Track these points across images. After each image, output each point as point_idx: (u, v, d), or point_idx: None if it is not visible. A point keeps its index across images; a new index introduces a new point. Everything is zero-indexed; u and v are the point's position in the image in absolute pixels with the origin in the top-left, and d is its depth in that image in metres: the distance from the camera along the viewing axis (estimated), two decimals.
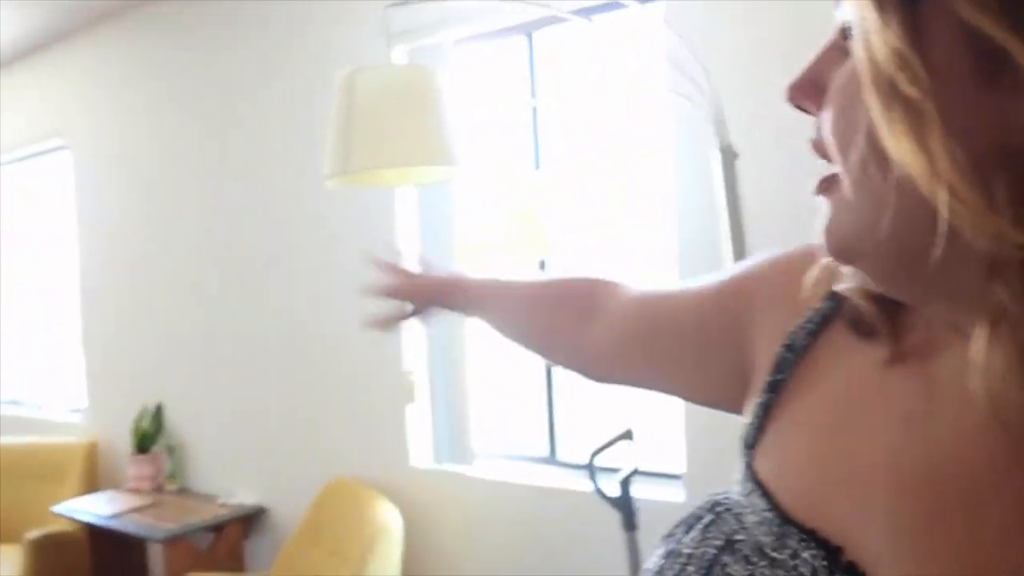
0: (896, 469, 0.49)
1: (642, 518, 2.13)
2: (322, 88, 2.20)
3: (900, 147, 0.41)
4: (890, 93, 0.42)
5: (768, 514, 0.54)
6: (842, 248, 0.49)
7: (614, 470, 2.19)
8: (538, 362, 2.84)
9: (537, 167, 2.82)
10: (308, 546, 3.00)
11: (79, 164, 4.23)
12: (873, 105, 0.42)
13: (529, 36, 2.79)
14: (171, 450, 3.82)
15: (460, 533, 2.88)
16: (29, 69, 4.47)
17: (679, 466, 2.38)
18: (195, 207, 3.67)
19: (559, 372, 2.78)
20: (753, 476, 0.57)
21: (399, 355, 3.01)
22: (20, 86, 4.54)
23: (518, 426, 3.04)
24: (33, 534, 3.62)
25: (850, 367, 0.55)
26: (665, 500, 2.34)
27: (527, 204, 2.87)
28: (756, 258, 0.69)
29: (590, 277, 0.89)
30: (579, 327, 0.86)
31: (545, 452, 2.85)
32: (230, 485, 3.58)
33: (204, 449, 3.75)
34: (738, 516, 0.57)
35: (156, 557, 3.62)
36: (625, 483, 2.15)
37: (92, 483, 4.02)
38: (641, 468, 2.24)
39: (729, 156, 1.74)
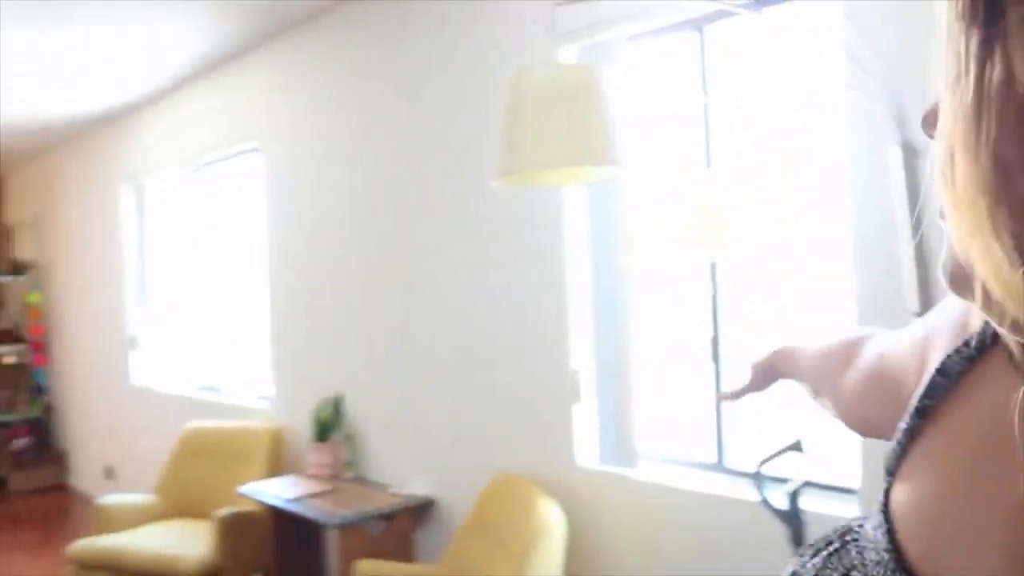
0: (1021, 533, 0.43)
1: (812, 533, 2.04)
2: (496, 88, 2.23)
3: None
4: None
5: (887, 554, 0.50)
6: (956, 279, 0.45)
7: (783, 480, 2.11)
8: (706, 364, 2.78)
9: (708, 164, 2.75)
10: (474, 539, 3.05)
11: (270, 165, 4.47)
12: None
13: (700, 31, 2.72)
14: (349, 439, 3.97)
15: (622, 535, 2.85)
16: (226, 76, 4.76)
17: (854, 480, 2.26)
18: (376, 207, 3.80)
19: (728, 375, 2.70)
20: (885, 507, 0.53)
21: (566, 354, 3.01)
22: (219, 92, 4.85)
23: (684, 429, 2.97)
24: (222, 512, 3.86)
25: (1000, 402, 0.47)
26: (838, 515, 2.22)
27: (699, 202, 2.80)
28: None
29: (864, 330, 0.86)
30: (840, 375, 0.84)
31: (712, 458, 2.77)
32: (402, 475, 3.69)
33: (379, 439, 3.88)
34: (861, 551, 0.53)
35: (332, 541, 3.78)
36: (794, 496, 2.06)
37: (276, 467, 4.24)
38: (813, 480, 2.14)
39: (910, 153, 1.63)
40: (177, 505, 4.44)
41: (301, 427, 4.18)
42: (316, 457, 3.98)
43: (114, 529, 4.17)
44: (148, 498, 4.46)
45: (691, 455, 2.86)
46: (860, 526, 0.56)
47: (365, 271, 3.88)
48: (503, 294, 3.21)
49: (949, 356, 0.55)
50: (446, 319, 3.48)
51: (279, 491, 3.77)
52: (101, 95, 5.35)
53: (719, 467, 2.74)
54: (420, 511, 3.58)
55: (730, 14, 2.55)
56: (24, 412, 7.53)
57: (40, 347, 7.56)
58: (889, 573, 0.49)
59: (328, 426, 3.99)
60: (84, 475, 7.10)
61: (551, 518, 2.78)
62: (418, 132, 3.55)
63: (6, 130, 6.18)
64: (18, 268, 7.70)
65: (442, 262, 3.47)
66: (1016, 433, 0.43)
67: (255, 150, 4.61)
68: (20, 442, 7.37)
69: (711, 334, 2.76)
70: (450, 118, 3.38)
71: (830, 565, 0.54)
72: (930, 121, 0.46)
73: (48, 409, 7.56)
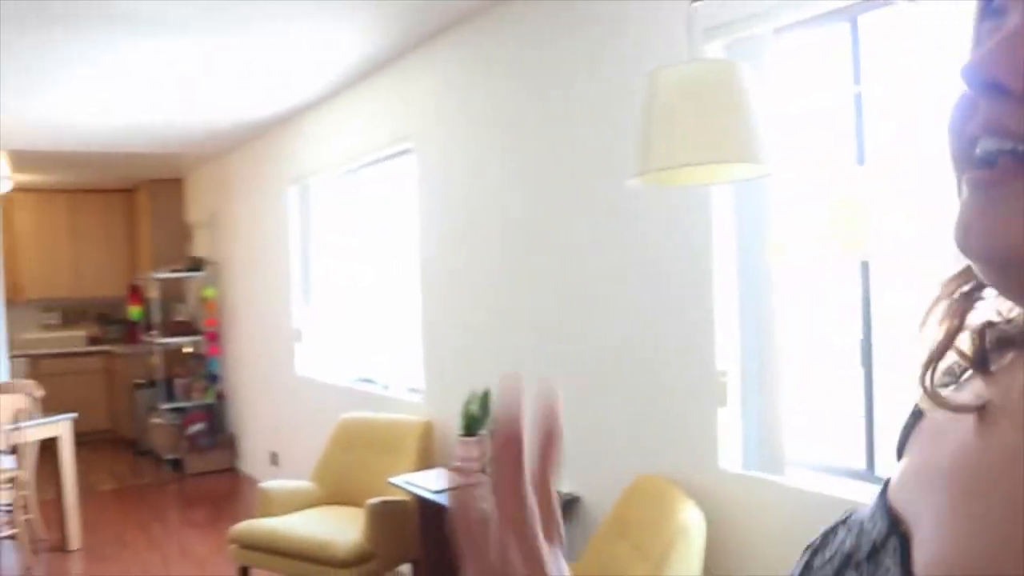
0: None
1: None
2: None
3: None
4: None
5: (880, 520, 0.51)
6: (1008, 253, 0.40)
7: None
8: (855, 368, 2.67)
9: (861, 160, 2.64)
10: (614, 538, 3.05)
11: (422, 166, 4.60)
12: None
13: (853, 21, 2.62)
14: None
15: (765, 542, 2.78)
16: (383, 79, 4.93)
17: None
18: (525, 206, 3.85)
19: (880, 380, 2.59)
20: (884, 491, 0.52)
21: (712, 355, 2.96)
22: (376, 95, 5.03)
23: (832, 435, 2.87)
24: (373, 501, 4.00)
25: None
26: None
27: (849, 198, 2.70)
28: None
29: None
30: None
31: (861, 464, 2.67)
32: None
33: (526, 436, 3.92)
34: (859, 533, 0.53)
35: None
36: None
37: (426, 459, 4.36)
38: None
39: None
40: (332, 492, 4.64)
41: (450, 421, 4.28)
42: (463, 451, 4.06)
43: (274, 512, 4.40)
44: (306, 484, 4.68)
45: (839, 461, 2.75)
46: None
47: (514, 269, 3.94)
48: (650, 294, 3.19)
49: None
50: (593, 318, 3.49)
51: (427, 483, 3.88)
52: (270, 100, 5.64)
53: (869, 475, 2.63)
54: (564, 509, 3.59)
55: (887, 3, 2.45)
56: (199, 399, 8.03)
57: (214, 338, 8.05)
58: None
59: (476, 420, 4.07)
60: (251, 460, 7.51)
61: (691, 521, 2.74)
62: (567, 132, 3.57)
63: (187, 134, 6.62)
64: (196, 264, 8.22)
65: (590, 262, 3.48)
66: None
67: (409, 151, 4.74)
68: (195, 427, 7.87)
69: (861, 336, 2.65)
70: (598, 118, 3.39)
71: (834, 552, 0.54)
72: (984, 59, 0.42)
73: (221, 396, 8.04)
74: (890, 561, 0.48)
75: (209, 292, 8.03)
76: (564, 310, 3.63)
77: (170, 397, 8.10)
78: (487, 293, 4.12)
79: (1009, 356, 0.47)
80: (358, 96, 5.25)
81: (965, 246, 0.41)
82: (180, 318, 8.74)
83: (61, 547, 5.72)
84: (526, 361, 3.88)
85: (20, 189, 9.15)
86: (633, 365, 3.30)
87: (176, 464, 7.89)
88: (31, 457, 5.70)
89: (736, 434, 2.95)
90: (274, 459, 6.84)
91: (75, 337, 9.91)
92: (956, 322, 0.49)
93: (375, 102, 5.06)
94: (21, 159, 7.75)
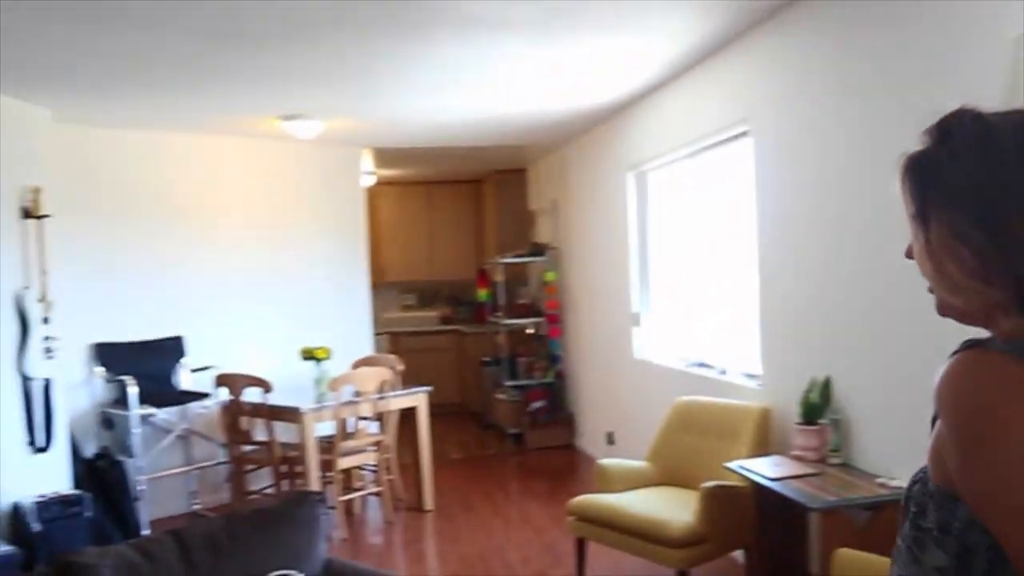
0: None
1: None
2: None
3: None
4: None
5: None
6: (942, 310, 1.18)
7: None
8: None
9: None
10: None
11: (760, 147, 4.49)
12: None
13: None
14: (836, 424, 3.87)
15: None
16: (718, 61, 4.87)
17: None
18: (869, 188, 3.65)
19: None
20: None
21: None
22: (711, 78, 4.98)
23: None
24: (708, 484, 4.00)
25: None
26: None
27: None
28: None
29: None
30: None
31: None
32: (891, 466, 3.51)
33: (868, 427, 3.73)
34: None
35: (814, 525, 3.72)
36: None
37: (762, 445, 4.28)
38: None
39: None
40: (666, 473, 4.69)
41: (788, 408, 4.17)
42: (802, 439, 3.94)
43: (611, 489, 4.54)
44: (641, 464, 4.77)
45: None
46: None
47: (857, 252, 3.74)
48: None
49: None
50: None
51: (764, 469, 3.80)
52: (608, 89, 5.78)
53: None
54: None
55: None
56: (540, 377, 8.44)
57: (554, 320, 8.42)
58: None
59: (816, 409, 3.93)
60: (589, 438, 7.78)
61: None
62: (919, 108, 3.32)
63: (530, 127, 6.97)
64: (538, 249, 8.64)
65: None
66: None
67: (746, 134, 4.66)
68: (536, 404, 8.29)
69: None
70: (951, 92, 3.12)
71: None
72: (908, 252, 1.17)
73: (560, 376, 8.40)
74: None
75: (550, 276, 8.41)
76: (915, 297, 3.39)
77: (513, 375, 8.60)
78: (829, 277, 3.95)
79: None
80: (693, 81, 5.24)
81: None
82: (523, 300, 9.23)
83: (417, 507, 6.29)
84: (870, 349, 3.68)
85: (383, 182, 10.16)
86: None
87: (518, 438, 8.37)
88: (393, 424, 6.32)
89: None
90: (610, 439, 7.04)
91: (429, 317, 10.82)
92: None
93: (711, 86, 5.01)
94: (384, 156, 8.59)
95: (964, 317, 1.15)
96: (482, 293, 9.29)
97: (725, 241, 5.19)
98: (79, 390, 6.06)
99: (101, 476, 5.69)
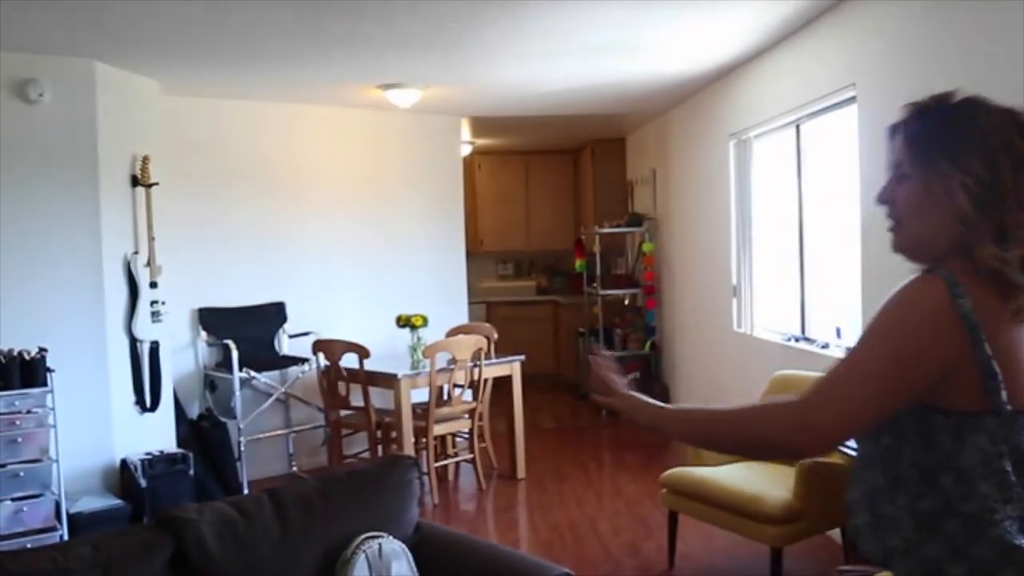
0: None
1: None
2: None
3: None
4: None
5: None
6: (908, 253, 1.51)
7: None
8: None
9: None
10: None
11: (865, 115, 4.31)
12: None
13: None
14: None
15: None
16: (824, 27, 4.68)
17: None
18: None
19: None
20: None
21: None
22: (817, 43, 4.79)
23: None
24: (806, 461, 3.89)
25: None
26: None
27: None
28: None
29: None
30: None
31: None
32: None
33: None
34: None
35: None
36: None
37: None
38: None
39: None
40: None
41: None
42: None
43: (704, 462, 4.46)
44: None
45: None
46: None
47: None
48: None
49: None
50: None
51: None
52: (709, 56, 5.63)
53: None
54: None
55: None
56: (636, 349, 8.37)
57: (651, 291, 8.32)
58: None
59: None
60: None
61: None
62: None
63: (628, 95, 6.85)
64: (636, 219, 8.53)
65: None
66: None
67: (852, 100, 4.47)
68: (631, 376, 8.18)
69: None
70: None
71: None
72: (883, 197, 1.57)
73: (656, 348, 8.30)
74: None
75: (647, 247, 8.30)
76: None
77: (609, 346, 8.54)
78: None
79: None
80: (799, 45, 5.05)
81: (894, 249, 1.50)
82: (620, 271, 9.14)
83: (510, 475, 6.32)
84: None
85: (481, 152, 10.17)
86: None
87: (612, 409, 8.31)
88: (487, 392, 6.35)
89: None
90: None
91: (526, 287, 10.83)
92: None
93: (817, 50, 4.82)
94: (481, 125, 8.59)
95: (922, 254, 1.47)
96: (579, 263, 9.23)
97: (828, 211, 5.02)
98: (185, 353, 6.27)
99: (204, 436, 5.89)
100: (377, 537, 2.73)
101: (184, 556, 2.58)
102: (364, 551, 2.68)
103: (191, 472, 5.09)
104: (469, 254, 10.55)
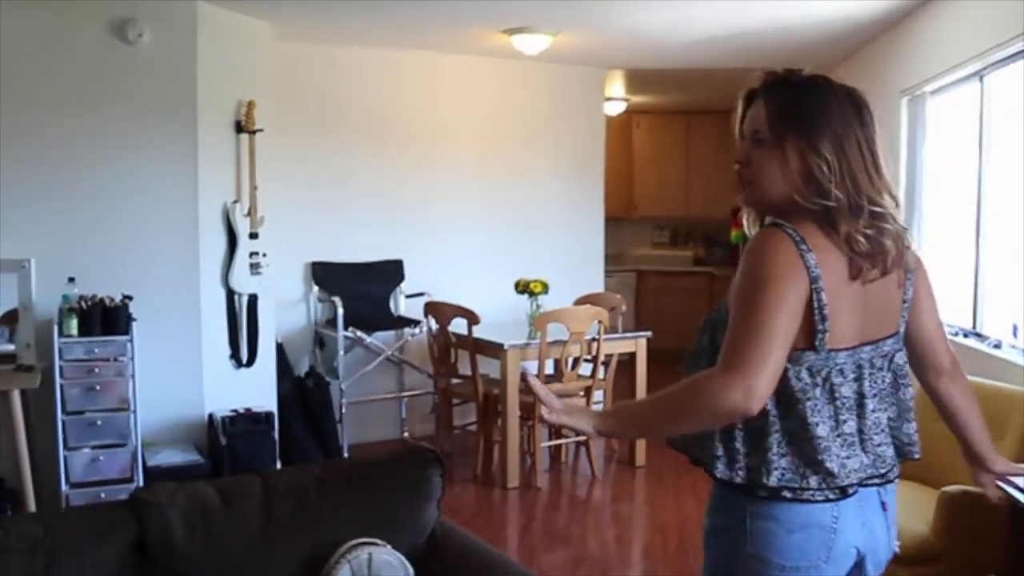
0: None
1: None
2: None
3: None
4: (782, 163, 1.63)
5: None
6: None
7: None
8: None
9: None
10: None
11: None
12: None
13: None
14: None
15: None
16: None
17: None
18: None
19: None
20: None
21: None
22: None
23: None
24: (950, 489, 3.15)
25: None
26: None
27: None
28: None
29: None
30: None
31: None
32: None
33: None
34: None
35: None
36: None
37: None
38: None
39: None
40: (903, 463, 3.81)
41: None
42: None
43: None
44: None
45: None
46: None
47: None
48: None
49: None
50: None
51: None
52: None
53: None
54: None
55: None
56: None
57: None
58: None
59: None
60: None
61: None
62: None
63: (796, 46, 6.03)
64: None
65: None
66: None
67: None
68: None
69: None
70: None
71: None
72: (743, 159, 1.70)
73: None
74: None
75: None
76: None
77: None
78: None
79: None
80: None
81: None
82: None
83: (628, 461, 5.76)
84: None
85: (637, 110, 9.51)
86: None
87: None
88: (610, 370, 5.82)
89: None
90: None
91: (682, 256, 10.11)
92: None
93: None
94: (638, 80, 7.94)
95: (772, 211, 1.69)
96: (734, 234, 8.46)
97: (1013, 185, 4.13)
98: (296, 308, 6.07)
99: (307, 395, 5.65)
100: (369, 545, 2.28)
101: (145, 546, 2.23)
102: (349, 561, 2.23)
103: (274, 433, 4.83)
104: (622, 219, 10.02)
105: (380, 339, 6.19)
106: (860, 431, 1.68)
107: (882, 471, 1.75)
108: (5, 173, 4.41)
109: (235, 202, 5.08)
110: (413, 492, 2.48)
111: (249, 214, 5.11)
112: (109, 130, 4.65)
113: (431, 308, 5.75)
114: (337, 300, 5.79)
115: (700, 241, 10.14)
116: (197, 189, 4.86)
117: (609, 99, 8.68)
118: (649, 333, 5.81)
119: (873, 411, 1.68)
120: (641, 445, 5.73)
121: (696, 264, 9.98)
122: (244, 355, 5.18)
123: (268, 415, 4.84)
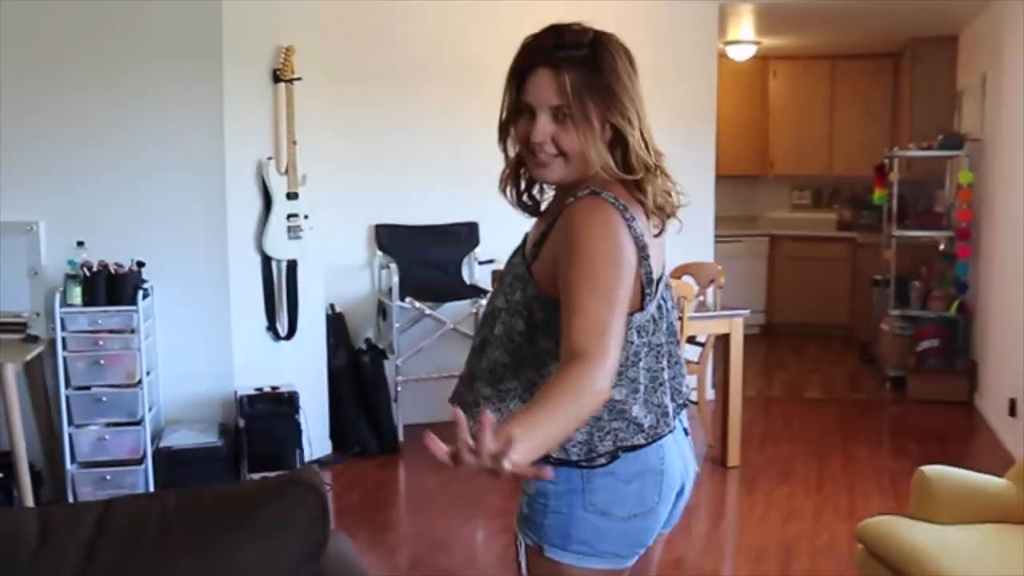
0: None
1: None
2: None
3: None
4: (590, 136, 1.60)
5: None
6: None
7: None
8: None
9: None
10: None
11: None
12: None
13: None
14: None
15: None
16: None
17: None
18: None
19: None
20: None
21: None
22: None
23: None
24: None
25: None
26: None
27: None
28: None
29: None
30: None
31: None
32: None
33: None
34: None
35: None
36: None
37: None
38: None
39: None
40: None
41: None
42: None
43: (934, 515, 2.88)
44: (1000, 483, 3.00)
45: None
46: None
47: None
48: None
49: None
50: None
51: None
52: None
53: None
54: None
55: None
56: (937, 309, 6.47)
57: (966, 236, 6.32)
58: None
59: None
60: (990, 399, 5.78)
61: None
62: None
63: None
64: (952, 141, 6.51)
65: None
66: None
67: None
68: (927, 343, 6.37)
69: None
70: None
71: None
72: (550, 135, 1.65)
73: (965, 310, 6.35)
74: None
75: (965, 176, 6.28)
76: None
77: (902, 301, 6.70)
78: None
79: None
80: None
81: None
82: (932, 208, 7.16)
83: (720, 459, 4.97)
84: None
85: (774, 55, 8.49)
86: None
87: (899, 382, 6.54)
88: (707, 352, 5.10)
89: None
90: (1012, 408, 5.07)
91: (825, 220, 9.02)
92: None
93: None
94: (775, 18, 6.96)
95: (585, 182, 1.64)
96: (877, 195, 7.32)
97: None
98: (360, 275, 5.58)
99: (362, 371, 5.17)
100: None
101: None
102: None
103: (298, 416, 4.35)
104: (757, 178, 9.01)
105: (453, 310, 5.61)
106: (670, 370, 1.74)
107: (679, 401, 1.78)
108: (8, 128, 4.09)
109: (269, 159, 4.59)
110: (284, 532, 1.87)
111: (287, 172, 4.61)
112: (125, 79, 4.25)
113: (497, 277, 5.12)
114: (393, 267, 5.26)
115: (847, 203, 9.00)
116: (223, 144, 4.40)
117: (734, 42, 7.72)
118: (747, 311, 4.97)
119: (668, 349, 1.74)
120: (735, 441, 4.93)
121: (842, 229, 8.86)
122: (283, 327, 4.73)
123: (292, 395, 4.35)
